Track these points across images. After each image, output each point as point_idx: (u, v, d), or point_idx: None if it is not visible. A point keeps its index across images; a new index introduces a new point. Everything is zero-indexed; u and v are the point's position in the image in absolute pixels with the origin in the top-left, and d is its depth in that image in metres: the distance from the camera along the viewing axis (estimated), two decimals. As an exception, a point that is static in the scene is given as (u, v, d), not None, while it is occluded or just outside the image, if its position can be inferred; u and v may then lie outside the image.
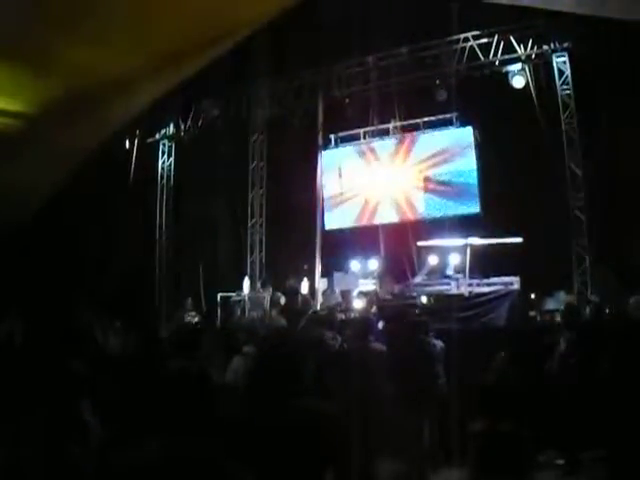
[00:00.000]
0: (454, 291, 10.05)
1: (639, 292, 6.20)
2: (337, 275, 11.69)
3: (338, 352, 4.59)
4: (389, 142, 12.70)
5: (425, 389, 3.80)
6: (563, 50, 11.11)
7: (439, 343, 5.08)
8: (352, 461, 2.76)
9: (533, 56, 11.34)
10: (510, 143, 10.54)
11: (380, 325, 5.96)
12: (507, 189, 10.58)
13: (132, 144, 14.56)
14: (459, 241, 10.24)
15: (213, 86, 13.06)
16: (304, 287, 11.77)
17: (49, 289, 10.21)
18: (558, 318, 9.07)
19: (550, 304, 9.68)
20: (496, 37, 11.45)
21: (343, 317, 8.04)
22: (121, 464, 2.06)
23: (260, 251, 14.08)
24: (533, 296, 9.44)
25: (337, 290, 11.29)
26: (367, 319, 4.88)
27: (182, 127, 14.70)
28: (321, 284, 12.05)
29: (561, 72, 11.20)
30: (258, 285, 13.12)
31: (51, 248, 11.82)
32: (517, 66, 11.38)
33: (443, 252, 10.82)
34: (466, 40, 11.72)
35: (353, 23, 10.79)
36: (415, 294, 10.00)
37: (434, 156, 12.12)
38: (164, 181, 15.29)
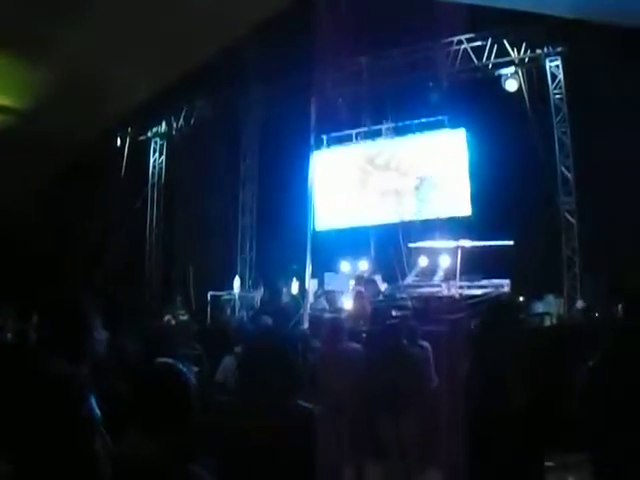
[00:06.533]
0: (444, 293, 10.03)
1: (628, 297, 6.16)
2: (328, 275, 11.65)
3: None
4: (381, 143, 12.68)
5: (405, 392, 3.77)
6: (556, 54, 11.15)
7: (425, 344, 5.09)
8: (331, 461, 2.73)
9: (526, 60, 11.37)
10: (502, 146, 10.52)
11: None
12: (498, 192, 10.57)
13: (124, 141, 14.47)
14: (450, 243, 10.23)
15: (206, 85, 13.00)
16: (294, 287, 11.72)
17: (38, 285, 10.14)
18: (547, 321, 9.10)
19: (539, 307, 9.70)
20: (490, 40, 11.47)
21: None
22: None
23: (251, 250, 14.04)
24: (522, 299, 9.43)
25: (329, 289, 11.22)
26: (339, 320, 4.89)
27: (174, 126, 14.64)
28: (311, 284, 11.99)
29: (554, 76, 11.24)
30: (249, 284, 13.08)
31: (40, 244, 11.75)
32: (510, 69, 11.42)
33: (434, 254, 10.81)
34: (460, 43, 11.72)
35: (346, 24, 10.75)
36: (405, 295, 9.97)
37: (426, 158, 12.12)
38: (155, 179, 15.21)
